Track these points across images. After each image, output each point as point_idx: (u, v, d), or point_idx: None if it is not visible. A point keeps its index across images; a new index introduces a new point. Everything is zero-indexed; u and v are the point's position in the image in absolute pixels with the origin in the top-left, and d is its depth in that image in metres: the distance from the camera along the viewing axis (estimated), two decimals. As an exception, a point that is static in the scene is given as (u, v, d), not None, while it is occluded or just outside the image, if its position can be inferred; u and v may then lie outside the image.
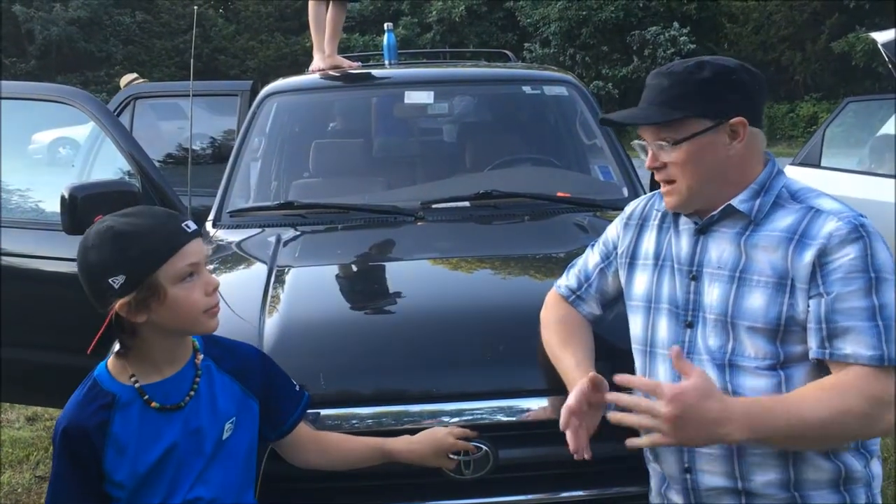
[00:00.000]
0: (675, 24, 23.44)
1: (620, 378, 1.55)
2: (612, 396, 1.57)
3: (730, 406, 1.47)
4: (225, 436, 1.60)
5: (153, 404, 1.53)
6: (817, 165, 4.89)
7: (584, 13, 23.85)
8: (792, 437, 1.52)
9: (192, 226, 1.55)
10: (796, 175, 5.10)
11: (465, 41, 26.02)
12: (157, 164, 5.46)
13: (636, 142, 1.73)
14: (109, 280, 1.44)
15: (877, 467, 1.67)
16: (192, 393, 1.57)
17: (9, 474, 4.03)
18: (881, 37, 5.78)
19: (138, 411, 1.53)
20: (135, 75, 7.11)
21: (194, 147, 6.09)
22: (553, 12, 24.31)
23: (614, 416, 1.52)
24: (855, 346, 1.51)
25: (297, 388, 1.76)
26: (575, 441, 1.63)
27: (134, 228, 1.48)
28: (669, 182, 1.66)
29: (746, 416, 1.47)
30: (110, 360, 1.57)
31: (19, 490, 3.87)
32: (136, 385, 1.53)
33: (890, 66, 5.85)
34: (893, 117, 5.30)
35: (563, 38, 24.52)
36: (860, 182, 4.69)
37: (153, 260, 1.46)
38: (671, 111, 1.61)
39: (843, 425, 1.49)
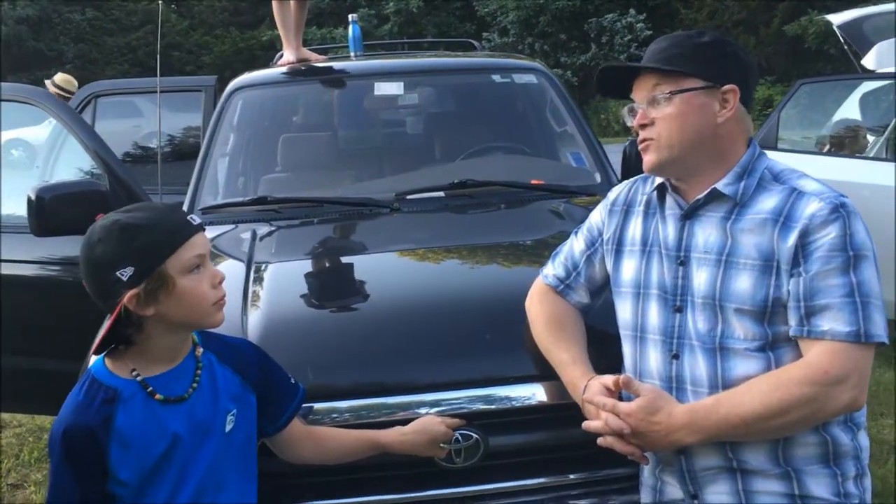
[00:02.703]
0: (632, 11, 23.67)
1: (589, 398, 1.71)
2: (585, 426, 1.71)
3: (674, 415, 1.61)
4: (227, 428, 1.59)
5: (157, 396, 1.52)
6: (774, 148, 4.97)
7: (541, 1, 23.96)
8: (739, 433, 1.59)
9: (197, 219, 1.56)
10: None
11: (423, 32, 25.96)
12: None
13: (626, 107, 1.75)
14: (117, 273, 1.44)
15: (864, 439, 1.70)
16: (194, 385, 1.56)
17: (-20, 483, 3.94)
18: (836, 18, 5.89)
19: (141, 404, 1.51)
20: (62, 76, 7.03)
21: (152, 145, 6.01)
22: (510, 1, 24.39)
23: (602, 442, 1.68)
24: (832, 322, 1.54)
25: (293, 381, 1.76)
26: (629, 448, 1.67)
27: (140, 221, 1.48)
28: (651, 140, 1.68)
29: (690, 423, 1.60)
30: (107, 358, 1.55)
31: (-8, 499, 3.79)
32: (139, 378, 1.52)
33: (845, 46, 5.97)
34: (850, 98, 5.40)
35: (521, 27, 24.62)
36: (817, 162, 4.78)
37: (161, 250, 1.47)
38: (671, 66, 1.65)
39: (784, 415, 1.54)
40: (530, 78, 3.50)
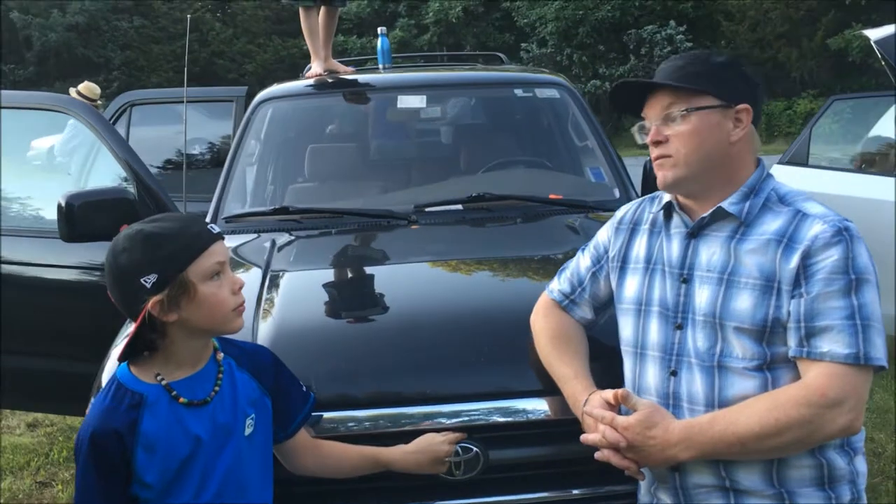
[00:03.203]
0: (672, 23, 23.49)
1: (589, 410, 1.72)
2: (583, 439, 1.72)
3: (670, 431, 1.61)
4: (247, 432, 1.64)
5: (181, 400, 1.57)
6: (805, 164, 4.92)
7: (580, 13, 23.90)
8: (734, 451, 1.59)
9: (217, 228, 1.62)
10: (784, 174, 5.13)
11: (462, 42, 26.06)
12: (156, 169, 5.53)
13: (637, 125, 1.77)
14: (142, 280, 1.50)
15: (861, 465, 1.69)
16: (216, 388, 1.62)
17: (9, 480, 4.06)
18: (874, 34, 5.80)
19: (166, 408, 1.56)
20: (86, 84, 7.20)
21: (193, 152, 6.14)
22: (550, 12, 24.35)
23: (599, 455, 1.70)
24: (832, 344, 1.54)
25: (304, 389, 1.81)
26: (625, 462, 1.68)
27: (163, 230, 1.54)
28: (667, 157, 1.69)
29: (685, 439, 1.60)
30: (131, 363, 1.61)
31: (20, 496, 3.90)
32: (163, 382, 1.57)
33: (883, 62, 5.87)
34: (886, 115, 5.32)
35: (560, 38, 24.56)
36: (848, 180, 4.72)
37: (183, 258, 1.52)
38: (687, 84, 1.67)
39: (780, 436, 1.54)
40: (552, 92, 3.51)
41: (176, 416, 1.57)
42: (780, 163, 5.28)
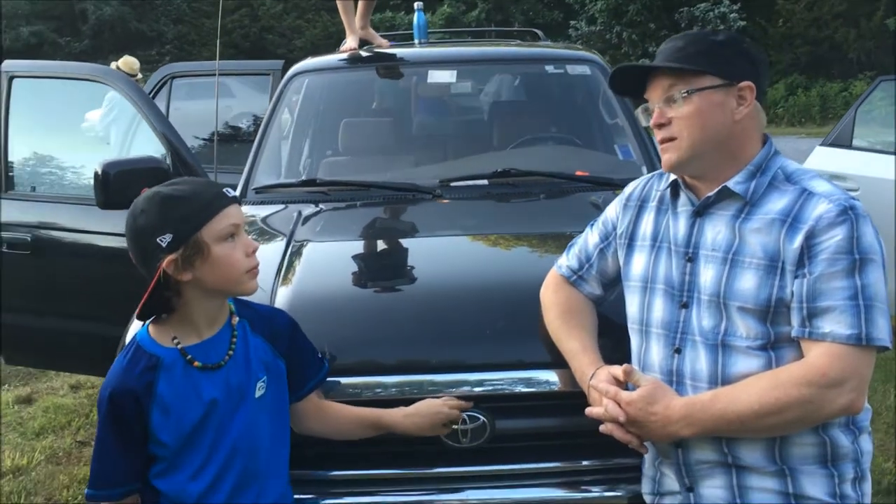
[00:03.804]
0: (726, 1, 22.95)
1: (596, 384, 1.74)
2: (587, 412, 1.74)
3: (672, 407, 1.62)
4: (258, 394, 1.69)
5: (196, 364, 1.63)
6: (849, 146, 4.81)
7: (631, -10, 23.51)
8: (735, 429, 1.60)
9: (232, 192, 1.66)
10: (827, 156, 5.02)
11: (510, 18, 25.84)
12: (201, 141, 5.64)
13: (640, 107, 1.77)
14: (157, 239, 1.55)
15: (866, 443, 1.68)
16: (230, 352, 1.67)
17: (51, 439, 4.22)
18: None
19: (181, 371, 1.62)
20: (126, 59, 7.32)
21: (239, 125, 6.24)
22: (600, -11, 24.01)
23: (603, 429, 1.71)
24: (834, 324, 1.53)
25: (319, 356, 1.85)
26: (628, 436, 1.70)
27: (179, 192, 1.60)
28: (672, 139, 1.68)
29: (687, 416, 1.61)
30: (151, 326, 1.67)
31: (60, 454, 4.06)
32: (179, 346, 1.63)
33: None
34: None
35: (609, 16, 24.18)
36: (892, 162, 4.60)
37: (198, 219, 1.57)
38: (688, 64, 1.65)
39: (780, 414, 1.54)
40: (584, 69, 3.49)
41: (191, 379, 1.63)
42: (822, 144, 5.18)
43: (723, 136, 1.66)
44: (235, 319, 1.72)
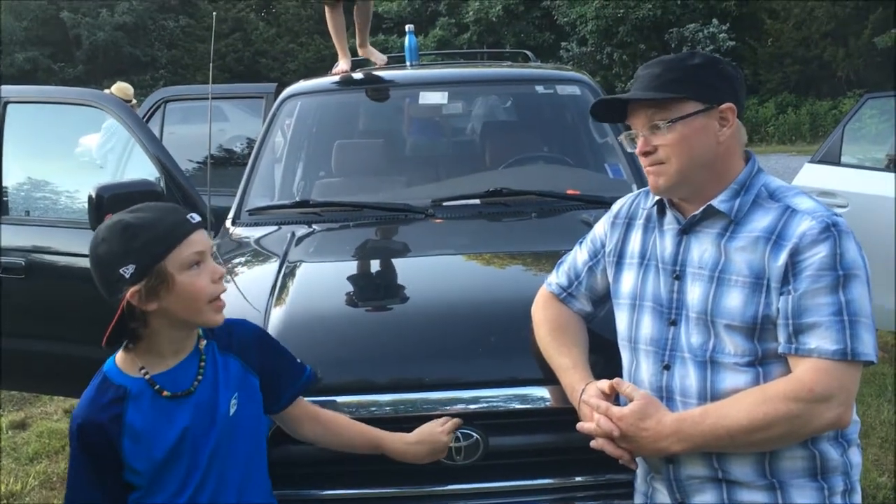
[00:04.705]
0: (715, 21, 23.16)
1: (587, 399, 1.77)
2: (579, 427, 1.76)
3: (662, 423, 1.64)
4: (231, 411, 1.67)
5: (164, 393, 1.60)
6: (837, 163, 4.86)
7: (621, 11, 23.67)
8: (725, 444, 1.61)
9: (197, 217, 1.63)
10: (816, 173, 5.07)
11: (501, 41, 26.00)
12: (195, 164, 5.67)
13: (624, 134, 1.78)
14: (120, 270, 1.51)
15: (855, 456, 1.70)
16: (199, 377, 1.65)
17: (45, 464, 4.20)
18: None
19: (150, 401, 1.60)
20: (119, 85, 7.37)
21: (234, 148, 6.27)
22: (590, 11, 24.17)
23: (594, 444, 1.74)
24: (819, 340, 1.55)
25: (299, 361, 1.83)
26: (619, 451, 1.71)
27: (141, 221, 1.56)
28: (660, 163, 1.69)
29: (677, 431, 1.63)
30: (118, 356, 1.64)
31: (54, 479, 4.04)
32: (147, 376, 1.60)
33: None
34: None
35: (600, 37, 24.36)
36: (881, 179, 4.65)
37: (160, 248, 1.54)
38: (667, 92, 1.66)
39: (768, 430, 1.56)
40: (573, 89, 3.54)
41: (160, 408, 1.60)
42: (811, 161, 5.22)
43: (709, 158, 1.68)
44: (203, 343, 1.69)
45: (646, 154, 1.71)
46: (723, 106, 1.67)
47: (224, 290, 1.64)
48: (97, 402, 1.59)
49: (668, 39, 23.79)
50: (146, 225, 1.56)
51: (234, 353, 1.72)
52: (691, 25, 23.31)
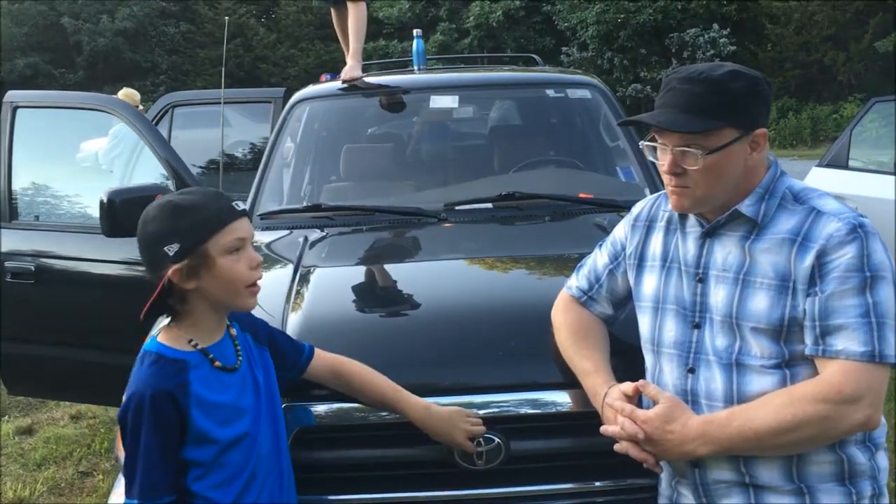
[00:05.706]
0: (715, 26, 23.21)
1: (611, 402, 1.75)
2: (602, 431, 1.75)
3: (688, 425, 1.62)
4: (263, 387, 1.74)
5: (217, 364, 1.65)
6: (844, 167, 4.86)
7: (621, 16, 23.72)
8: (752, 447, 1.60)
9: (242, 205, 1.68)
10: (824, 177, 5.07)
11: (502, 46, 26.04)
12: (199, 170, 5.68)
13: (647, 143, 1.72)
14: (165, 248, 1.58)
15: (883, 460, 1.69)
16: (240, 357, 1.72)
17: (53, 470, 4.18)
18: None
19: (208, 371, 1.65)
20: (125, 91, 7.39)
21: (237, 154, 6.28)
22: (590, 16, 24.22)
23: (618, 447, 1.72)
24: (847, 342, 1.54)
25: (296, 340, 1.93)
26: (643, 454, 1.70)
27: (189, 203, 1.62)
28: (685, 187, 1.66)
29: (704, 434, 1.61)
30: (161, 335, 1.66)
31: (62, 485, 4.02)
32: (198, 347, 1.65)
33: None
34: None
35: (600, 42, 24.41)
36: (888, 182, 4.64)
37: (204, 231, 1.60)
38: (709, 120, 1.59)
39: (797, 431, 1.55)
40: (584, 93, 3.53)
41: (218, 379, 1.66)
42: (819, 165, 5.22)
43: (735, 179, 1.66)
44: (233, 331, 1.75)
45: (674, 174, 1.66)
46: (757, 131, 1.64)
47: (260, 277, 1.69)
48: (159, 373, 1.60)
49: (668, 44, 23.85)
50: (194, 207, 1.61)
51: (249, 332, 1.80)
52: (692, 30, 23.37)
